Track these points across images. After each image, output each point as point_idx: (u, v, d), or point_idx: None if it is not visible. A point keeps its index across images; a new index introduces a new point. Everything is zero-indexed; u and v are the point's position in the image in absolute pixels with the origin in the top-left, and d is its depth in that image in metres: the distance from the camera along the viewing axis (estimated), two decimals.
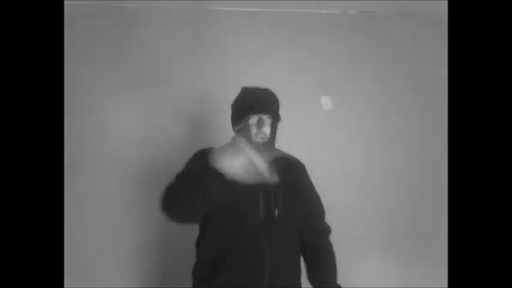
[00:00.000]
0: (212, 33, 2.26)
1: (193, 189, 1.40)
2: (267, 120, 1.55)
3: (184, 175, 1.49)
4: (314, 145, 2.21)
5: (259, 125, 1.53)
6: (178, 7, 2.25)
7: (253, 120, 1.54)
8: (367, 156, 2.29)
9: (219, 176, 1.35)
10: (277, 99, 1.61)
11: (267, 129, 1.55)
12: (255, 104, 1.56)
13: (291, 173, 1.61)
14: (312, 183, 1.69)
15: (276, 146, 1.62)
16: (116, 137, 2.17)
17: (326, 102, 2.26)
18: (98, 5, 2.20)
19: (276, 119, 1.59)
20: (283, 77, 2.23)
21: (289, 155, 1.67)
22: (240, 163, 1.36)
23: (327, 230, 1.67)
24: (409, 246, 2.25)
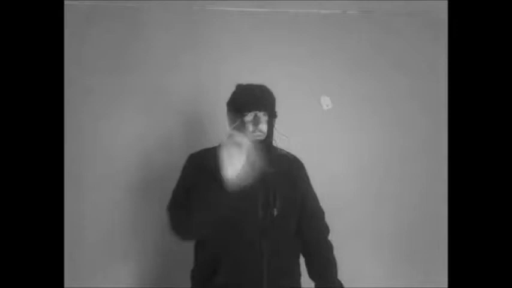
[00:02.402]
0: (212, 33, 2.26)
1: (198, 207, 1.41)
2: (263, 117, 1.51)
3: (182, 190, 1.50)
4: (313, 144, 2.21)
5: (255, 122, 1.50)
6: (177, 7, 2.25)
7: (249, 117, 1.51)
8: (367, 155, 2.29)
9: (218, 185, 1.34)
10: (272, 95, 1.58)
11: (263, 127, 1.51)
12: (250, 101, 1.52)
13: (290, 171, 1.60)
14: (310, 183, 1.68)
15: (275, 144, 1.61)
16: (114, 137, 2.16)
17: (326, 102, 2.26)
18: (96, 5, 2.20)
19: (272, 115, 1.55)
20: (283, 77, 2.23)
21: (288, 153, 1.66)
22: (240, 161, 1.34)
23: (327, 229, 1.67)
24: (408, 246, 2.25)
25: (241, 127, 1.52)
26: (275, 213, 1.50)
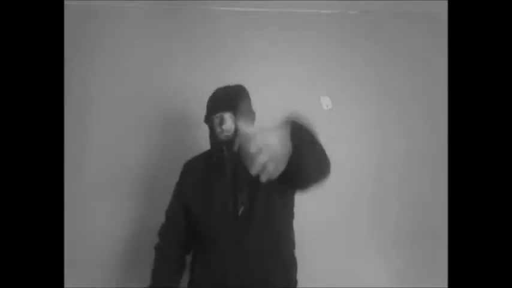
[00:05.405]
0: (213, 33, 2.26)
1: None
2: (229, 117, 1.54)
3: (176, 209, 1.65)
4: None
5: (220, 124, 1.55)
6: (176, 7, 2.25)
7: (216, 120, 1.57)
8: (368, 155, 2.29)
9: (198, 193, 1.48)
10: (240, 94, 1.59)
11: (229, 126, 1.54)
12: (215, 103, 1.59)
13: None
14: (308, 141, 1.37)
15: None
16: (111, 137, 2.16)
17: (326, 102, 2.26)
18: (95, 5, 2.20)
19: (239, 114, 1.55)
20: (283, 77, 2.23)
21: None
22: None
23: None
24: (409, 246, 2.25)
25: (212, 130, 1.59)
26: (240, 211, 1.50)
